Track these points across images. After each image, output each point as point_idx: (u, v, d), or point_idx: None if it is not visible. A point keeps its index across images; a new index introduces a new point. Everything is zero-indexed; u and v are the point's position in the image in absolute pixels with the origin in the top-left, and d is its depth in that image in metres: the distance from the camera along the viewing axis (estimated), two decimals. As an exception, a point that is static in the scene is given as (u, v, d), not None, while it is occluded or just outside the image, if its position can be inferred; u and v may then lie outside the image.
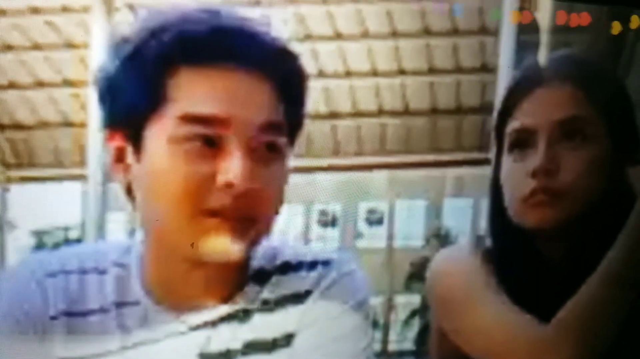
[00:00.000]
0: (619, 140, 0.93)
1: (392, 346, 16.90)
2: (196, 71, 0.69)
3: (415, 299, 15.41)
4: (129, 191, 0.77)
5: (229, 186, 0.69)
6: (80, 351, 0.76)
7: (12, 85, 10.71)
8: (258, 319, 0.76)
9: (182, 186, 0.69)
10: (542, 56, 0.96)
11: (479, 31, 9.86)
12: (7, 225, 12.17)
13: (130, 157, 0.74)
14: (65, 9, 9.90)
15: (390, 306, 16.94)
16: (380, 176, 15.49)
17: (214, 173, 0.69)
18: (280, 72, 0.71)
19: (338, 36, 9.96)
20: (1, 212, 12.01)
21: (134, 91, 0.70)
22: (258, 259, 0.78)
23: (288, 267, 0.78)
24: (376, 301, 17.00)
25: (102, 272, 0.78)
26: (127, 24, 0.73)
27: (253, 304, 0.77)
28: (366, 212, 17.24)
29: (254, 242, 0.73)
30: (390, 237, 17.02)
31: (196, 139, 0.68)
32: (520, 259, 0.93)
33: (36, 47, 10.18)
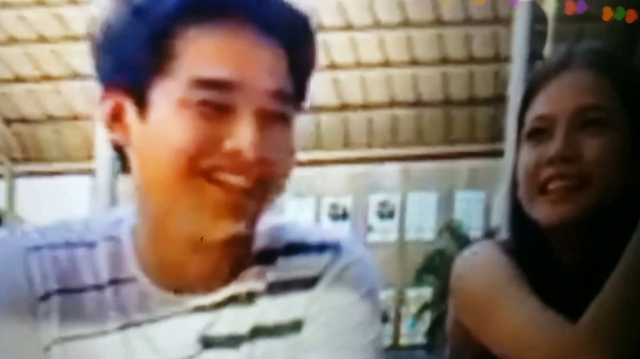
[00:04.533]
0: None
1: (404, 340, 16.84)
2: (207, 31, 0.66)
3: (426, 293, 15.31)
4: (121, 153, 0.71)
5: (237, 152, 0.65)
6: (76, 330, 0.70)
7: (17, 79, 10.61)
8: (264, 302, 0.72)
9: (184, 146, 0.65)
10: (559, 46, 0.88)
11: (492, 21, 9.69)
12: (15, 220, 12.12)
13: (131, 117, 0.69)
14: (71, 1, 9.78)
15: (401, 300, 16.86)
16: (392, 168, 15.37)
17: (221, 138, 0.66)
18: (293, 37, 0.68)
19: (349, 27, 9.82)
20: (9, 207, 11.96)
21: (140, 49, 0.66)
22: (262, 238, 0.73)
23: (294, 249, 0.73)
24: (387, 295, 16.95)
25: (92, 245, 0.73)
26: None
27: (258, 287, 0.72)
28: (377, 205, 17.14)
29: (256, 217, 0.69)
30: (402, 230, 16.91)
31: (207, 103, 0.66)
32: (538, 257, 0.88)
33: (42, 39, 10.07)
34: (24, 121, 11.32)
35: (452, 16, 9.64)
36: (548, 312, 0.82)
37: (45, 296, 0.70)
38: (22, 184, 12.06)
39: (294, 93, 0.68)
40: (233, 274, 0.71)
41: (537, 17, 8.10)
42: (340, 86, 10.43)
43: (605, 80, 0.87)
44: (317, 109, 12.27)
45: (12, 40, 10.28)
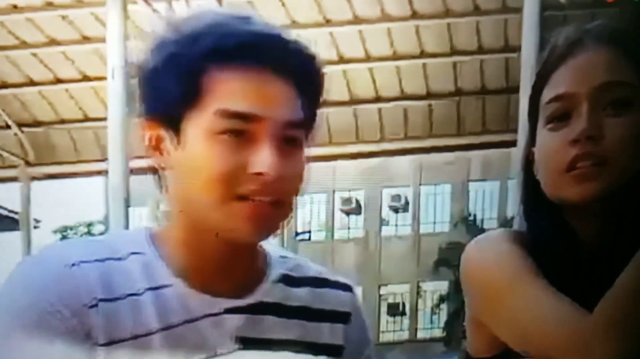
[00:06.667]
0: None
1: (421, 334, 16.78)
2: (231, 72, 0.79)
3: (443, 286, 15.23)
4: (159, 176, 0.83)
5: (259, 175, 0.78)
6: (120, 334, 0.79)
7: (30, 83, 10.66)
8: (297, 323, 0.85)
9: (218, 173, 0.78)
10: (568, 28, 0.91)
11: (501, 9, 9.61)
12: (31, 221, 12.21)
13: (168, 144, 0.81)
14: (79, 2, 9.80)
15: (418, 293, 16.79)
16: (404, 161, 15.31)
17: (245, 163, 0.78)
18: (302, 74, 0.81)
19: (357, 19, 9.76)
20: (26, 209, 12.05)
21: (175, 89, 0.79)
22: (279, 264, 0.88)
23: (321, 282, 0.89)
24: (404, 289, 16.86)
25: (121, 259, 0.82)
26: (162, 27, 0.81)
27: (285, 302, 0.86)
28: (391, 199, 17.08)
29: (277, 225, 0.82)
30: (416, 223, 16.84)
31: (230, 132, 0.79)
32: (554, 238, 0.86)
33: (52, 42, 10.11)
34: (37, 124, 11.36)
35: (460, 6, 9.58)
36: (562, 300, 0.80)
37: (94, 305, 0.78)
38: (37, 186, 12.14)
39: (305, 119, 0.81)
40: (255, 286, 0.84)
41: (547, 3, 8.02)
42: (349, 80, 10.38)
43: (623, 56, 0.85)
44: (327, 104, 12.17)
45: (22, 44, 10.30)
